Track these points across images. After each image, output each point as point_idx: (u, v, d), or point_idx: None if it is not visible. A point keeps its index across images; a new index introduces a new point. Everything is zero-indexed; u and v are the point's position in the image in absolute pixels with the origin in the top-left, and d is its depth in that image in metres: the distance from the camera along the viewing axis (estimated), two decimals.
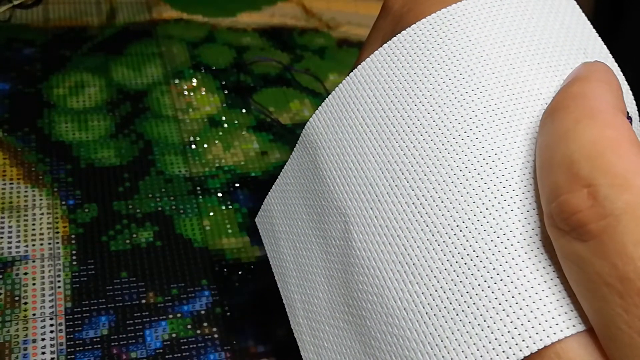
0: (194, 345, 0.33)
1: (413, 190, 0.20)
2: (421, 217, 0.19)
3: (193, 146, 0.43)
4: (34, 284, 0.34)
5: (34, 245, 0.36)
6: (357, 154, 0.22)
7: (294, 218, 0.25)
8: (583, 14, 0.23)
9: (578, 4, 0.28)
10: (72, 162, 0.41)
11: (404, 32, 0.22)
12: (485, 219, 0.18)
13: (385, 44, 0.23)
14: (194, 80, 0.48)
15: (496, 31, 0.21)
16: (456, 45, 0.21)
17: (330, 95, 0.24)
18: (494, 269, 0.17)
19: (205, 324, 0.34)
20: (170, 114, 0.45)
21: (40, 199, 0.38)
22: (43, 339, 0.32)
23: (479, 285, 0.18)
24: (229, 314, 0.34)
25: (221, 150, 0.43)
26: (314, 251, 0.24)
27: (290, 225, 0.26)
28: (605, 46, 0.22)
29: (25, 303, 0.33)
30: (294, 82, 0.50)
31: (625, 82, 0.22)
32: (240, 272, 0.36)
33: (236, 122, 0.46)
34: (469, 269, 0.18)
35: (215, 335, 0.33)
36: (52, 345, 0.31)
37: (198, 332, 0.33)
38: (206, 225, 0.38)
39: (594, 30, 0.22)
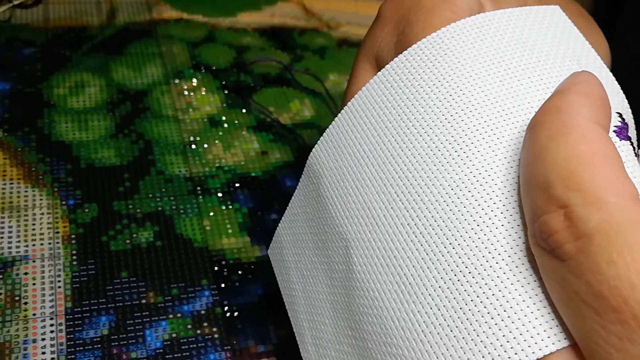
0: (194, 345, 0.33)
1: (407, 211, 0.20)
2: (415, 237, 0.20)
3: (193, 146, 0.43)
4: (34, 284, 0.34)
5: (34, 245, 0.36)
6: (355, 180, 0.23)
7: (302, 247, 0.26)
8: (575, 27, 0.23)
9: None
10: (72, 162, 0.41)
11: (396, 59, 0.23)
12: (477, 235, 0.18)
13: (380, 72, 0.23)
14: (194, 80, 0.48)
15: (485, 50, 0.22)
16: (445, 67, 0.22)
17: (330, 125, 0.24)
18: (485, 284, 0.18)
19: (205, 324, 0.34)
20: (170, 114, 0.45)
21: (41, 199, 0.38)
22: (43, 339, 0.32)
23: (472, 301, 0.18)
24: (229, 314, 0.34)
25: (221, 150, 0.43)
26: (319, 278, 0.24)
27: (298, 254, 0.26)
28: (599, 57, 0.22)
29: (26, 303, 0.33)
30: (294, 82, 0.50)
31: (621, 91, 0.22)
32: (240, 272, 0.36)
33: (236, 122, 0.46)
34: (462, 285, 0.18)
35: (215, 335, 0.33)
36: (52, 345, 0.31)
37: (198, 332, 0.33)
38: (206, 225, 0.38)
39: (586, 42, 0.22)
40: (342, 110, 0.24)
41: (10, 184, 0.39)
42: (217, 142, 0.44)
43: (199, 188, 0.40)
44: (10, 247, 0.35)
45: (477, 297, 0.18)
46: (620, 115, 0.21)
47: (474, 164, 0.19)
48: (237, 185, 0.41)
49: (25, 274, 0.34)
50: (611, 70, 0.22)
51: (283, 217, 0.28)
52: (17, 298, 0.33)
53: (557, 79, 0.21)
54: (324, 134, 0.25)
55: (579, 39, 0.22)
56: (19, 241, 0.36)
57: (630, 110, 0.22)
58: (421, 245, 0.20)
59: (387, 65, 0.23)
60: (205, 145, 0.43)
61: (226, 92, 0.48)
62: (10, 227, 0.36)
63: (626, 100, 0.22)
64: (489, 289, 0.18)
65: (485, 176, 0.19)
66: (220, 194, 0.40)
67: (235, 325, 0.34)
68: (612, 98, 0.20)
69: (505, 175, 0.19)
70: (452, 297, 0.18)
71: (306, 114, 0.48)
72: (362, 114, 0.23)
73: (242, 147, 0.44)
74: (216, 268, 0.36)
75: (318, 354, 0.24)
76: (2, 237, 0.36)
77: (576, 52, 0.22)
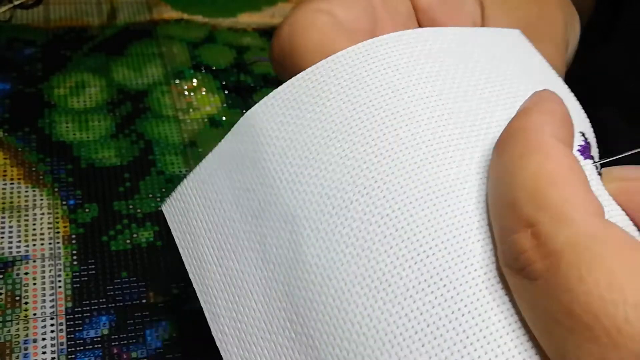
0: (194, 345, 0.33)
1: (377, 208, 0.19)
2: (395, 231, 0.18)
3: (193, 146, 0.43)
4: (34, 284, 0.34)
5: (34, 245, 0.36)
6: (313, 159, 0.20)
7: (221, 215, 0.23)
8: (537, 51, 0.23)
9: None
10: (73, 162, 0.41)
11: (377, 38, 0.21)
12: (453, 247, 0.18)
13: (354, 46, 0.21)
14: (194, 80, 0.48)
15: (454, 65, 0.21)
16: (428, 62, 0.21)
17: (283, 86, 0.21)
18: (461, 300, 0.17)
19: (205, 324, 0.34)
20: (170, 114, 0.45)
21: (41, 199, 0.38)
22: (44, 339, 0.32)
23: (446, 316, 0.17)
24: None
25: None
26: (247, 256, 0.22)
27: (215, 222, 0.23)
28: (560, 78, 0.22)
29: (26, 303, 0.33)
30: None
31: (583, 112, 0.22)
32: None
33: (236, 122, 0.46)
34: (435, 299, 0.18)
35: None
36: (52, 345, 0.31)
37: (198, 332, 0.33)
38: None
39: (548, 65, 0.22)
40: (304, 72, 0.21)
41: (11, 184, 0.39)
42: (217, 142, 0.44)
43: None
44: (10, 247, 0.35)
45: (452, 313, 0.17)
46: (583, 134, 0.21)
47: (454, 171, 0.19)
48: None
49: (26, 273, 0.34)
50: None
51: (192, 174, 0.24)
52: (17, 298, 0.33)
53: (524, 96, 0.21)
54: (271, 94, 0.22)
55: (542, 62, 0.23)
56: (19, 241, 0.36)
57: (592, 129, 0.22)
58: (397, 244, 0.18)
59: (368, 41, 0.21)
60: (206, 146, 0.43)
61: (226, 92, 0.48)
62: (10, 227, 0.36)
63: (588, 120, 0.22)
64: (464, 306, 0.17)
65: (463, 182, 0.19)
66: None
67: None
68: (574, 118, 0.20)
69: (478, 191, 0.19)
70: (426, 309, 0.17)
71: None
72: (329, 86, 0.21)
73: None
74: None
75: (239, 338, 0.22)
76: (2, 237, 0.36)
77: (539, 73, 0.22)
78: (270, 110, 0.22)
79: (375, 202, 0.19)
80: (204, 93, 0.47)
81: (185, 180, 0.25)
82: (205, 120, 0.45)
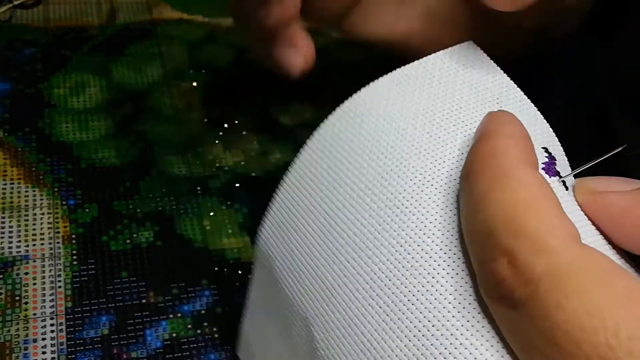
0: (194, 345, 0.33)
1: (361, 275, 0.20)
2: (373, 300, 0.19)
3: (193, 146, 0.43)
4: (34, 284, 0.34)
5: (34, 245, 0.36)
6: (305, 254, 0.22)
7: (268, 340, 0.25)
8: (492, 62, 0.23)
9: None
10: (73, 162, 0.41)
11: (322, 125, 0.23)
12: (429, 291, 0.18)
13: (308, 141, 0.23)
14: (194, 80, 0.48)
15: (407, 104, 0.22)
16: (372, 127, 0.22)
17: (272, 205, 0.24)
18: (446, 339, 0.17)
19: (205, 324, 0.34)
20: (170, 114, 0.45)
21: (41, 199, 0.38)
22: (43, 339, 0.32)
23: (440, 354, 0.17)
24: (229, 314, 0.34)
25: (221, 150, 0.43)
26: (281, 350, 0.24)
27: (265, 348, 0.26)
28: (518, 89, 0.22)
29: (26, 303, 0.33)
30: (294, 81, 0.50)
31: (545, 122, 0.21)
32: (240, 272, 0.36)
33: (236, 122, 0.46)
34: (422, 345, 0.18)
35: (216, 335, 0.33)
36: (52, 345, 0.31)
37: (198, 332, 0.33)
38: (206, 225, 0.38)
39: (505, 76, 0.22)
40: (280, 189, 0.24)
41: (11, 184, 0.39)
42: (217, 142, 0.44)
43: (199, 188, 0.41)
44: (10, 247, 0.35)
45: (446, 353, 0.17)
46: (546, 149, 0.20)
47: (418, 218, 0.19)
48: (237, 185, 0.41)
49: (26, 273, 0.34)
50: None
51: (246, 316, 0.27)
52: (17, 298, 0.33)
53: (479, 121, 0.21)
54: (267, 215, 0.25)
55: (498, 74, 0.22)
56: (19, 241, 0.36)
57: (557, 139, 0.21)
58: (380, 307, 0.19)
59: (315, 133, 0.23)
60: (206, 146, 0.43)
61: (226, 92, 0.48)
62: (10, 227, 0.36)
63: (551, 130, 0.21)
64: (450, 342, 0.17)
65: (432, 228, 0.19)
66: (220, 194, 0.40)
67: (235, 325, 0.34)
68: (536, 131, 0.20)
69: (449, 224, 0.19)
70: (420, 353, 0.18)
71: (306, 114, 0.48)
72: (300, 187, 0.23)
73: (242, 147, 0.44)
74: (216, 268, 0.36)
75: None
76: (2, 237, 0.36)
77: (495, 90, 0.22)
78: (271, 228, 0.25)
79: (352, 281, 0.20)
80: (204, 93, 0.47)
81: (244, 320, 0.29)
82: (205, 120, 0.45)
